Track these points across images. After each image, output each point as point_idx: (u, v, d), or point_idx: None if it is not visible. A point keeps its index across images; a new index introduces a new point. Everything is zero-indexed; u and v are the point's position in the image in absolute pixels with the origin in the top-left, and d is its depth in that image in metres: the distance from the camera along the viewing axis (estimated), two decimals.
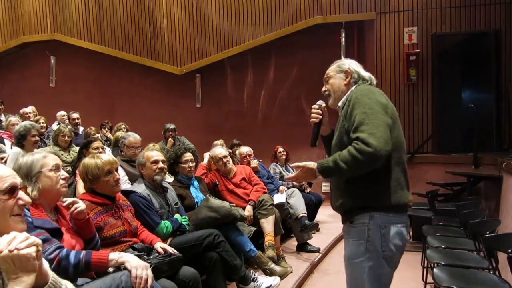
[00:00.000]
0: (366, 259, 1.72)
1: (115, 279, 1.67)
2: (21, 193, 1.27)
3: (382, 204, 1.71)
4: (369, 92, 1.75)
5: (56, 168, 1.85)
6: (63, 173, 1.88)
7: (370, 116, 1.64)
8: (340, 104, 1.90)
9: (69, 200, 1.87)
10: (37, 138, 3.74)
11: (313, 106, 1.99)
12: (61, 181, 1.85)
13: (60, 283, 1.23)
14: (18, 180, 1.27)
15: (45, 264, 1.18)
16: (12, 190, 1.24)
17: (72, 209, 1.84)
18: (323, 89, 1.97)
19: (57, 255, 1.62)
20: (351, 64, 1.91)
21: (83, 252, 1.71)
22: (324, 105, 1.99)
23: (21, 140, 3.68)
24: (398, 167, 1.73)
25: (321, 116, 1.97)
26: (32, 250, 1.06)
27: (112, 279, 1.67)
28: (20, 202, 1.25)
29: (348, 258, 1.81)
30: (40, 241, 1.10)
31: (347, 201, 1.78)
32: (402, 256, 1.80)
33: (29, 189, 1.75)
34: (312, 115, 1.98)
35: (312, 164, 1.77)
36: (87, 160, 2.32)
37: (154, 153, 2.88)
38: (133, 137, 3.74)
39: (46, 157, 1.85)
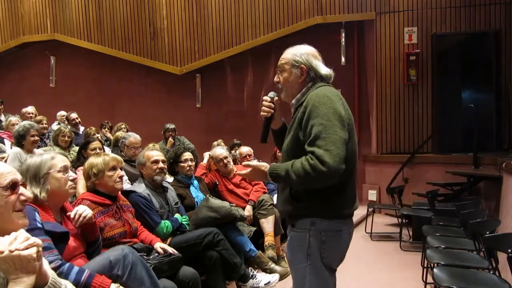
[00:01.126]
0: (307, 266, 1.66)
1: None
2: (22, 189, 1.28)
3: (325, 211, 1.64)
4: (327, 100, 1.59)
5: (65, 169, 1.85)
6: (71, 174, 1.88)
7: (328, 130, 1.52)
8: (294, 101, 1.75)
9: (74, 211, 1.86)
10: (36, 138, 3.74)
11: (264, 98, 1.84)
12: (70, 182, 1.86)
13: (60, 283, 1.24)
14: (18, 176, 1.27)
15: (45, 264, 1.18)
16: (13, 186, 1.25)
17: (81, 219, 1.84)
18: (276, 79, 1.80)
19: (55, 267, 1.59)
20: (308, 58, 1.71)
21: (86, 272, 1.67)
22: (276, 97, 1.84)
23: (21, 140, 3.69)
24: (350, 179, 1.67)
25: (273, 110, 1.82)
26: (33, 251, 1.06)
27: None
28: (22, 197, 1.26)
29: (290, 262, 1.76)
30: (40, 242, 1.10)
31: (292, 207, 1.69)
32: (342, 261, 1.78)
33: (37, 191, 1.74)
34: (263, 108, 1.82)
35: (264, 167, 1.68)
36: (92, 158, 2.39)
37: (154, 153, 2.89)
38: (134, 137, 3.74)
39: (54, 158, 1.85)
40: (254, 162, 1.75)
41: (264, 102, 1.84)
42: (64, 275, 1.59)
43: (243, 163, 1.77)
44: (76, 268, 1.66)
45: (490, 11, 5.97)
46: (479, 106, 5.42)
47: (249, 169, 1.73)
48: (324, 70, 1.73)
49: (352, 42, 6.67)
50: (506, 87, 5.89)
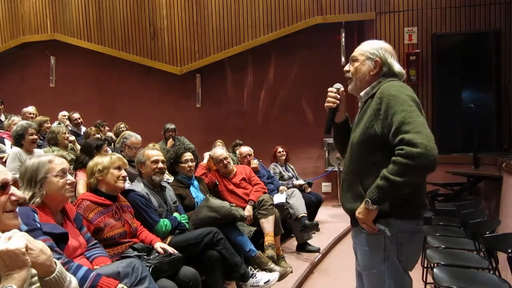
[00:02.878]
0: (385, 269, 1.59)
1: None
2: (13, 189, 1.24)
3: (401, 211, 1.57)
4: (402, 89, 1.57)
5: (63, 173, 1.82)
6: (69, 178, 1.85)
7: (412, 114, 1.48)
8: (362, 94, 1.70)
9: None
10: (35, 136, 3.74)
11: (330, 89, 1.77)
12: (67, 186, 1.82)
13: (65, 276, 1.23)
14: (9, 176, 1.23)
15: (48, 254, 1.18)
16: (3, 187, 1.21)
17: None
18: (346, 68, 1.76)
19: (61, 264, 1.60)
20: (385, 54, 1.68)
21: (94, 273, 1.67)
22: (342, 89, 1.78)
23: (20, 139, 3.69)
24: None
25: (338, 101, 1.75)
26: (21, 246, 1.04)
27: None
28: (13, 198, 1.22)
29: (365, 268, 1.67)
30: (27, 236, 1.10)
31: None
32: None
33: (29, 195, 1.72)
34: (329, 99, 1.75)
35: (359, 209, 1.59)
36: (99, 157, 2.43)
37: (154, 152, 2.89)
38: (135, 138, 3.73)
39: (51, 162, 1.81)
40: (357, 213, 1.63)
41: (329, 93, 1.77)
42: (72, 273, 1.57)
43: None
44: (84, 268, 1.67)
45: (490, 11, 5.97)
46: (479, 106, 5.42)
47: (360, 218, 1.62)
48: (397, 67, 1.70)
49: (352, 42, 6.65)
50: (506, 87, 5.89)
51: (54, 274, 1.18)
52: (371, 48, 1.71)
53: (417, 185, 1.57)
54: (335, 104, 1.76)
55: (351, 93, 1.78)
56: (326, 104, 1.77)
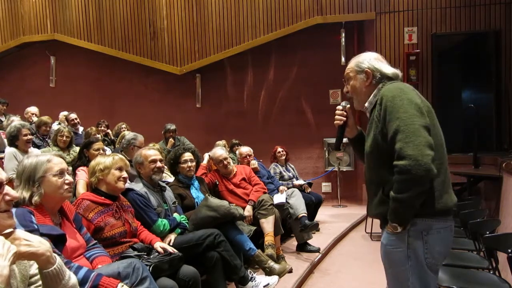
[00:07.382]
0: (409, 267, 1.62)
1: None
2: (7, 189, 1.22)
3: (426, 210, 1.59)
4: (400, 92, 1.59)
5: (61, 173, 1.80)
6: (67, 178, 1.83)
7: (406, 121, 1.52)
8: (367, 105, 1.77)
9: None
10: (29, 137, 3.77)
11: (337, 107, 1.88)
12: (65, 186, 1.81)
13: (64, 271, 1.23)
14: (3, 175, 1.22)
15: (47, 245, 1.19)
16: None
17: None
18: (345, 90, 1.85)
19: None
20: (371, 62, 1.74)
21: (94, 273, 1.67)
22: (348, 106, 1.87)
23: (14, 140, 3.73)
24: (440, 168, 1.63)
25: (345, 118, 1.85)
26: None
27: None
28: (7, 197, 1.20)
29: (389, 266, 1.70)
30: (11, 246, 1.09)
31: (387, 208, 1.63)
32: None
33: (27, 194, 1.71)
34: (336, 117, 1.86)
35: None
36: (101, 157, 2.44)
37: (151, 152, 2.89)
38: (141, 138, 3.78)
39: (50, 161, 1.80)
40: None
41: (336, 112, 1.87)
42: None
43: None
44: (84, 268, 1.67)
45: (490, 11, 5.97)
46: (479, 106, 5.41)
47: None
48: (389, 70, 1.75)
49: (352, 42, 6.67)
50: (506, 87, 5.89)
51: (54, 266, 1.19)
52: (357, 62, 1.78)
53: (427, 191, 1.57)
54: (342, 122, 1.85)
55: (358, 109, 1.86)
56: (334, 122, 1.87)
